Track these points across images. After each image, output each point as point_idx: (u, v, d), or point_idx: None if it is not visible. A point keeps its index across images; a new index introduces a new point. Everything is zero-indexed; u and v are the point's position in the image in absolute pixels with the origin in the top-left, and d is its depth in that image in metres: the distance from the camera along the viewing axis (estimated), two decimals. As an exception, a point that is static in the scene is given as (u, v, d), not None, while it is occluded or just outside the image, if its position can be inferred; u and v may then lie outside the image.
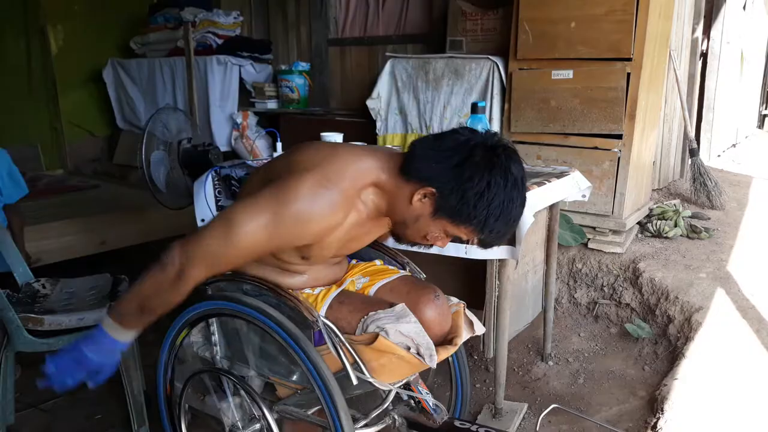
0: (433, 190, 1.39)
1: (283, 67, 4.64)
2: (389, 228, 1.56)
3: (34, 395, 2.55)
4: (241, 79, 4.75)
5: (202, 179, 2.52)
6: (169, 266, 1.40)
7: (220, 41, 4.77)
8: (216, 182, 2.51)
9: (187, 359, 1.80)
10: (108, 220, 3.70)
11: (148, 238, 3.74)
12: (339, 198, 1.42)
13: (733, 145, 6.02)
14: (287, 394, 1.68)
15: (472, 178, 1.35)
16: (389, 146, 1.73)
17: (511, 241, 2.04)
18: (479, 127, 2.30)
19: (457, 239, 1.50)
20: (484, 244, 1.48)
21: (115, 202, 4.09)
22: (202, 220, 2.44)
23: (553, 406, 1.72)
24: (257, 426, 1.65)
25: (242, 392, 1.65)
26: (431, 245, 1.52)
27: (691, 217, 3.46)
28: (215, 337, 1.70)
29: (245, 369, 1.69)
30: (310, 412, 1.67)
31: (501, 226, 1.41)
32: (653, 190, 3.83)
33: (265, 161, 2.04)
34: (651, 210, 3.43)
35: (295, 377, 1.64)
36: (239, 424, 1.66)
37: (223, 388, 1.71)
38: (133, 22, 5.38)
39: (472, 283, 2.30)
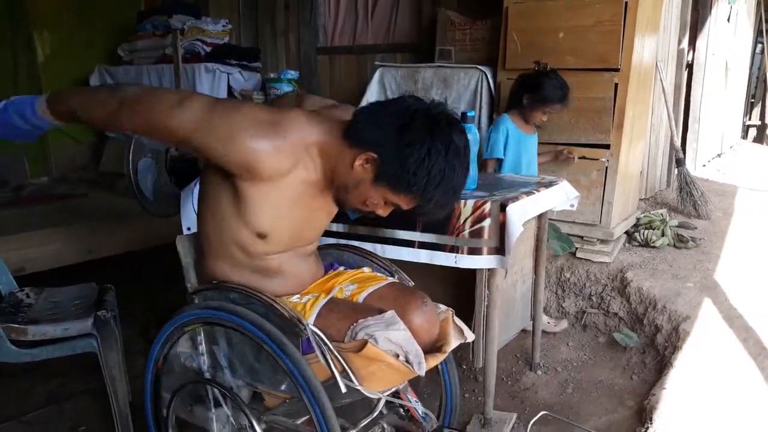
0: (375, 155, 1.41)
1: (272, 75, 4.64)
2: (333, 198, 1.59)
3: (15, 406, 2.51)
4: (229, 87, 4.73)
5: (189, 187, 2.49)
6: (116, 95, 1.48)
7: (208, 49, 4.76)
8: (204, 191, 2.49)
9: (174, 369, 1.78)
10: (94, 228, 3.65)
11: (135, 246, 3.70)
12: (285, 143, 1.44)
13: (719, 155, 6.09)
14: (276, 404, 1.66)
15: (413, 144, 1.37)
16: (342, 107, 1.74)
17: (500, 251, 2.04)
18: (469, 137, 2.32)
19: (397, 209, 1.51)
20: (426, 215, 1.51)
21: (102, 210, 4.05)
22: (188, 229, 2.42)
23: (542, 413, 1.72)
24: (245, 436, 1.63)
25: (230, 402, 1.63)
26: (371, 212, 1.53)
27: (677, 226, 3.48)
28: (202, 347, 1.68)
29: (233, 379, 1.67)
30: (299, 422, 1.65)
31: (441, 195, 1.42)
32: (640, 199, 3.86)
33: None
34: (638, 219, 3.45)
35: (283, 387, 1.62)
36: (226, 435, 1.64)
37: (210, 398, 1.69)
38: (121, 29, 5.34)
39: (461, 293, 2.30)
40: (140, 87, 1.52)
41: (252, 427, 1.56)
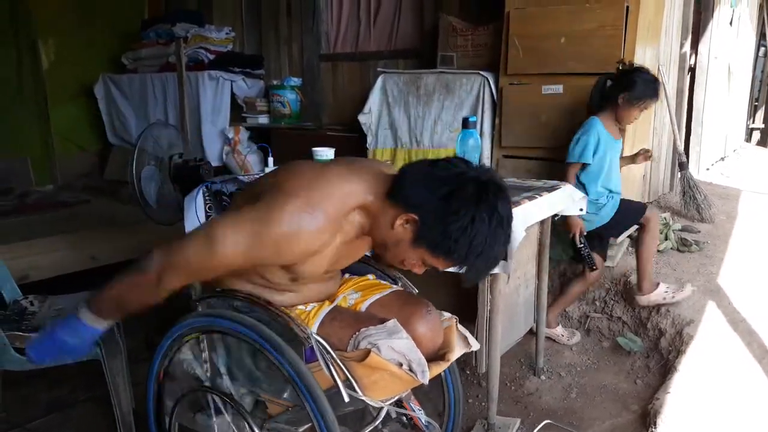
0: (416, 217, 1.37)
1: (275, 82, 4.66)
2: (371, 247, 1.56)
3: (20, 413, 2.52)
4: (232, 95, 4.75)
5: (192, 194, 2.50)
6: (148, 271, 1.43)
7: (212, 56, 4.78)
8: (207, 197, 2.50)
9: (177, 377, 1.79)
10: (98, 235, 3.68)
11: (139, 253, 3.69)
12: (323, 222, 1.40)
13: (722, 159, 6.07)
14: (278, 412, 1.66)
15: (458, 212, 1.33)
16: (379, 161, 1.71)
17: (503, 256, 2.04)
18: (470, 142, 2.33)
19: (434, 269, 1.47)
20: (463, 281, 1.47)
21: (106, 217, 4.08)
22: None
23: (546, 422, 1.71)
24: (247, 444, 1.63)
25: (231, 410, 1.63)
26: (408, 270, 1.51)
27: (681, 230, 3.48)
28: (205, 354, 1.68)
29: (236, 386, 1.67)
30: (300, 431, 1.65)
31: (481, 264, 1.40)
32: (643, 203, 3.84)
33: (256, 176, 2.04)
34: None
35: (286, 395, 1.63)
36: (229, 442, 1.64)
37: (213, 406, 1.69)
38: (125, 37, 5.38)
39: (464, 298, 2.30)
40: (162, 250, 1.44)
41: (254, 434, 1.55)
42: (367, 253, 1.83)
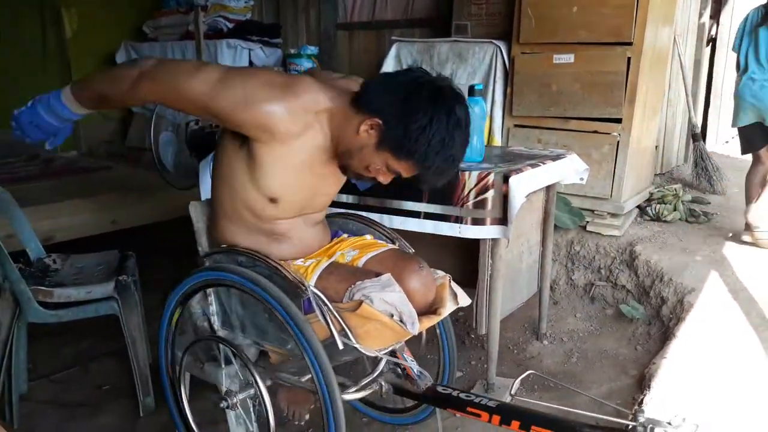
0: (380, 121, 1.48)
1: (292, 51, 4.70)
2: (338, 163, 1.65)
3: (46, 366, 2.66)
4: (251, 63, 4.81)
5: (207, 160, 2.58)
6: (134, 67, 1.55)
7: (230, 25, 4.83)
8: (220, 162, 2.57)
9: (186, 329, 1.89)
10: (119, 200, 3.79)
11: (158, 218, 3.82)
12: (297, 105, 1.52)
13: (743, 132, 5.99)
14: (281, 362, 1.76)
15: (417, 112, 1.44)
16: (351, 78, 1.81)
17: (503, 221, 2.10)
18: (476, 110, 2.37)
19: (398, 177, 1.58)
20: (426, 182, 1.58)
21: (127, 183, 4.18)
22: (208, 199, 2.52)
23: (529, 372, 1.79)
24: (252, 391, 1.73)
25: (238, 359, 1.73)
26: (373, 178, 1.60)
27: (691, 201, 3.49)
28: (212, 308, 1.77)
29: (241, 337, 1.77)
30: (304, 379, 1.74)
31: (440, 162, 1.49)
32: (656, 174, 3.86)
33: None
34: (651, 194, 3.46)
35: (289, 345, 1.72)
36: (234, 390, 1.74)
37: (221, 356, 1.79)
38: (146, 5, 5.44)
39: (465, 263, 2.36)
40: (158, 58, 1.60)
41: (256, 382, 1.65)
42: (363, 213, 1.91)
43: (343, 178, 1.75)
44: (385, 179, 1.60)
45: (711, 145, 4.66)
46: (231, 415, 1.76)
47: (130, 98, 1.61)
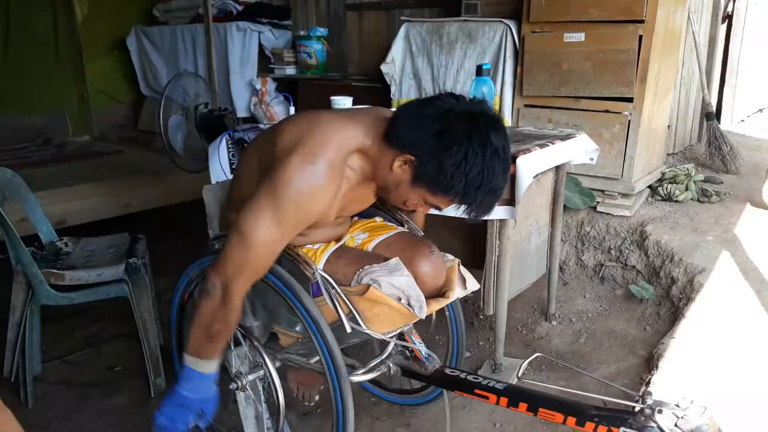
0: (412, 158, 1.40)
1: (302, 33, 4.68)
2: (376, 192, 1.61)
3: (59, 348, 2.70)
4: (260, 46, 4.80)
5: (216, 143, 2.60)
6: (212, 292, 1.47)
7: (240, 8, 4.82)
8: (230, 146, 2.59)
9: (197, 311, 1.90)
10: (131, 183, 3.82)
11: (169, 200, 3.86)
12: (327, 170, 1.44)
13: (760, 110, 5.91)
14: (289, 343, 1.78)
15: (450, 147, 1.35)
16: (380, 107, 1.75)
17: (510, 202, 2.09)
18: (483, 90, 2.35)
19: (437, 209, 1.52)
20: (470, 215, 1.49)
21: (138, 166, 4.21)
22: (217, 182, 2.53)
23: (536, 354, 1.79)
24: (261, 372, 1.75)
25: (247, 341, 1.74)
26: (413, 211, 1.56)
27: (703, 181, 3.45)
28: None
29: (250, 319, 1.78)
30: (312, 361, 1.75)
31: (482, 196, 1.41)
32: (669, 154, 3.81)
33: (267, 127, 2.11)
34: (663, 174, 3.43)
35: (298, 327, 1.73)
36: (243, 371, 1.76)
37: (231, 337, 1.81)
38: (156, -11, 5.45)
39: (473, 243, 2.37)
40: (213, 270, 1.49)
41: (265, 364, 1.67)
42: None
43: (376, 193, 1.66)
44: (423, 211, 1.56)
45: (726, 124, 4.59)
46: (241, 396, 1.78)
47: (237, 311, 1.52)
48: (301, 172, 1.42)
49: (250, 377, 1.75)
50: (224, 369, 1.84)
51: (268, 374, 1.68)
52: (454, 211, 1.51)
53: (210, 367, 1.54)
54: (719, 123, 4.00)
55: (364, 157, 1.51)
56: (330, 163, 1.45)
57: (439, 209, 1.52)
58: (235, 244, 1.45)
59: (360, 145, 1.49)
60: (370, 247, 1.78)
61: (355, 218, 1.91)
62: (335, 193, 1.49)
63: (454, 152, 1.36)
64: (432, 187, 1.43)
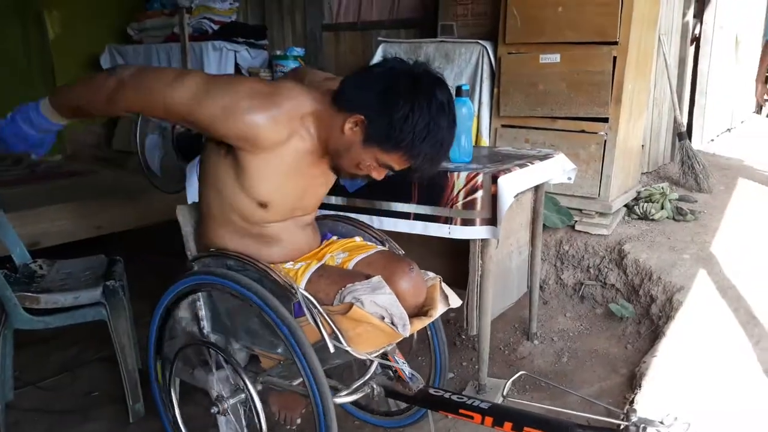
0: (362, 117, 1.48)
1: (278, 53, 4.67)
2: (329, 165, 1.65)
3: (33, 373, 2.63)
4: (236, 65, 4.78)
5: (194, 163, 2.56)
6: (113, 76, 1.53)
7: (216, 27, 4.80)
8: (207, 165, 2.55)
9: (176, 335, 1.87)
10: (104, 204, 3.75)
11: (145, 222, 3.79)
12: (281, 113, 1.51)
13: (728, 130, 6.05)
14: (271, 365, 1.75)
15: (397, 102, 1.43)
16: (327, 75, 1.80)
17: (492, 221, 2.10)
18: (463, 110, 2.37)
19: (391, 170, 1.57)
20: (418, 173, 1.56)
21: (113, 187, 4.14)
22: (195, 203, 2.50)
23: (521, 373, 1.79)
24: (242, 396, 1.71)
25: (228, 364, 1.71)
26: (366, 175, 1.59)
27: (678, 200, 3.51)
28: (202, 312, 1.76)
29: (231, 342, 1.75)
30: (295, 383, 1.73)
31: (428, 148, 1.48)
32: (643, 173, 3.87)
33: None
34: (639, 193, 3.48)
35: (280, 349, 1.71)
36: (224, 395, 1.72)
37: (212, 361, 1.77)
38: (130, 7, 5.40)
39: (455, 263, 2.36)
40: (137, 66, 1.57)
41: (246, 387, 1.63)
42: (353, 215, 1.90)
43: (333, 178, 1.75)
44: (378, 175, 1.59)
45: (696, 143, 4.69)
46: (222, 420, 1.75)
47: (109, 108, 1.58)
48: (257, 93, 1.51)
49: (232, 401, 1.72)
50: (205, 393, 1.81)
51: (249, 398, 1.64)
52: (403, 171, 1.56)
53: (58, 120, 1.63)
54: (690, 142, 4.08)
55: (317, 122, 1.56)
56: (285, 110, 1.52)
57: (392, 170, 1.57)
58: (166, 74, 1.53)
59: (313, 108, 1.56)
60: (350, 265, 1.76)
61: (335, 238, 1.90)
62: (282, 138, 1.53)
63: (401, 106, 1.43)
64: (383, 144, 1.49)
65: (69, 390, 2.55)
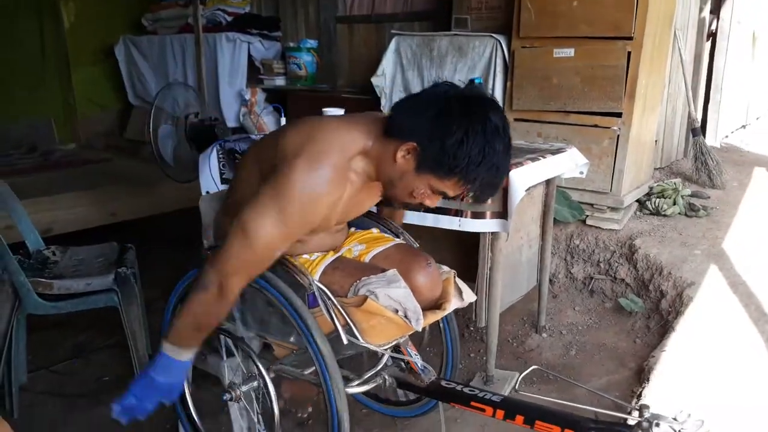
0: (414, 144, 1.42)
1: (292, 44, 4.69)
2: (381, 193, 1.61)
3: (46, 357, 2.66)
4: (250, 56, 4.80)
5: (206, 153, 2.58)
6: (209, 286, 1.47)
7: (229, 18, 4.82)
8: (220, 156, 2.57)
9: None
10: (118, 192, 3.80)
11: (157, 210, 3.84)
12: (332, 173, 1.45)
13: (743, 126, 6.00)
14: (284, 354, 1.76)
15: (450, 127, 1.37)
16: (371, 112, 1.76)
17: (503, 215, 2.11)
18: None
19: (445, 197, 1.51)
20: (476, 198, 1.51)
21: (126, 175, 4.19)
22: (207, 192, 2.51)
23: (533, 367, 1.79)
24: (254, 384, 1.73)
25: (241, 352, 1.73)
26: (420, 203, 1.54)
27: (690, 195, 3.49)
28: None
29: (245, 330, 1.77)
30: (306, 372, 1.74)
31: (484, 173, 1.42)
32: (656, 168, 3.86)
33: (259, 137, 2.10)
34: (651, 188, 3.47)
35: (292, 338, 1.72)
36: (237, 382, 1.74)
37: (223, 348, 1.79)
38: (145, -2, 5.43)
39: (466, 255, 2.37)
40: (212, 263, 1.49)
41: (261, 375, 1.65)
42: (371, 209, 1.89)
43: (379, 196, 1.67)
44: (431, 202, 1.52)
45: (710, 139, 4.66)
46: (234, 407, 1.77)
47: (231, 306, 1.54)
48: (307, 176, 1.43)
49: (244, 388, 1.73)
50: (216, 380, 1.83)
51: (263, 385, 1.66)
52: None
53: (188, 355, 1.56)
54: (704, 138, 4.06)
55: (367, 158, 1.52)
56: (335, 168, 1.46)
57: (447, 196, 1.51)
58: (236, 242, 1.45)
59: (362, 147, 1.50)
60: (367, 258, 1.77)
61: (353, 229, 1.90)
62: (339, 198, 1.51)
63: (455, 131, 1.37)
64: (436, 171, 1.43)
65: (81, 374, 2.59)
